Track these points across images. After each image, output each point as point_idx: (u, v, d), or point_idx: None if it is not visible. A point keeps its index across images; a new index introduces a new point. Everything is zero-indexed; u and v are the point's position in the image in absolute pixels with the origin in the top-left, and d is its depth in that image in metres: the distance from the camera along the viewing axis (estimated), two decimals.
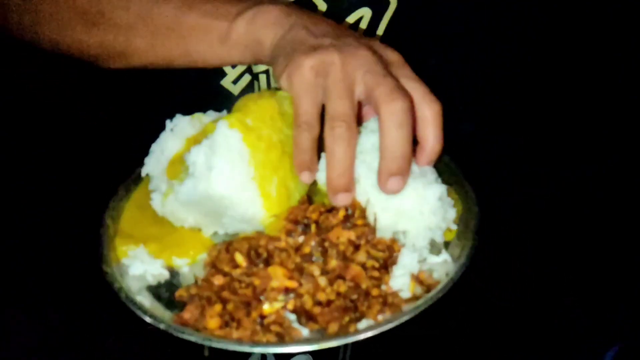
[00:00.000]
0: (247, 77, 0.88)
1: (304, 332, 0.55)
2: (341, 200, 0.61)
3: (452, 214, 0.66)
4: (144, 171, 0.71)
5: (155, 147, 0.71)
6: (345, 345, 0.97)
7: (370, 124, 0.67)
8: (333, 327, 0.54)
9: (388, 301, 0.56)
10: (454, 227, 0.65)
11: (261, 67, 0.86)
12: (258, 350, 0.52)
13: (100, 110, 0.86)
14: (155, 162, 0.71)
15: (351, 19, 0.85)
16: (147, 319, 0.56)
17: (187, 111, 0.73)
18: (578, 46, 0.90)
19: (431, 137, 0.62)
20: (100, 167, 0.81)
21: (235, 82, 0.89)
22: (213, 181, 0.60)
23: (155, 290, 0.62)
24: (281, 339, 0.54)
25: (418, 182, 0.63)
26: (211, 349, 0.64)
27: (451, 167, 0.72)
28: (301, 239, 0.60)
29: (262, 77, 0.88)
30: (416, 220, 0.63)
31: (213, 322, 0.55)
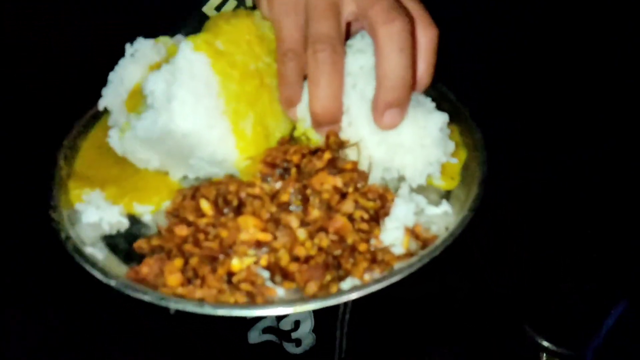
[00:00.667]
0: (232, 3, 0.78)
1: (279, 291, 0.47)
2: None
3: (451, 146, 0.57)
4: (101, 104, 0.62)
5: (113, 76, 0.61)
6: (345, 303, 0.92)
7: (356, 43, 0.57)
8: (312, 287, 0.46)
9: (377, 258, 0.48)
10: (454, 162, 0.57)
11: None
12: (222, 312, 0.44)
13: (57, 28, 0.75)
14: (114, 94, 0.61)
15: None
16: (97, 274, 0.48)
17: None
18: (575, 30, 0.84)
19: (422, 66, 0.55)
20: (53, 101, 0.71)
21: (218, 8, 0.79)
22: (175, 114, 0.51)
23: (112, 241, 0.54)
24: (252, 300, 0.46)
25: (417, 111, 0.54)
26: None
27: (456, 105, 0.63)
28: (278, 185, 0.51)
29: (248, 2, 0.77)
30: (415, 154, 0.54)
31: (173, 279, 0.47)
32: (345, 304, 0.92)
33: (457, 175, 0.60)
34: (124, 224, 0.56)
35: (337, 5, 0.53)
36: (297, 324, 0.89)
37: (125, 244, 0.54)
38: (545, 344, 0.91)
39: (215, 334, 0.85)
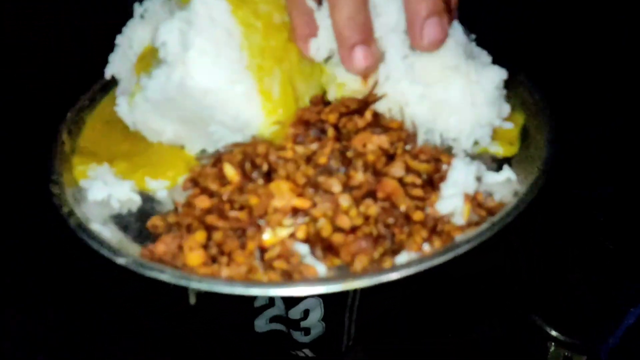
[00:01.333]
0: None
1: (320, 269, 0.39)
2: (358, 58, 0.46)
3: (506, 109, 0.49)
4: (108, 71, 0.55)
5: (121, 40, 0.54)
6: (354, 292, 0.87)
7: None
8: (361, 262, 0.38)
9: (437, 228, 0.40)
10: (510, 127, 0.49)
11: None
12: (255, 292, 0.37)
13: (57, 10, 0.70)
14: (122, 59, 0.54)
15: None
16: (104, 252, 0.40)
17: None
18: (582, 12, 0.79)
19: None
20: (57, 71, 0.64)
21: None
22: (192, 67, 0.43)
23: (122, 221, 0.46)
24: (289, 279, 0.39)
25: (469, 64, 0.46)
26: (200, 295, 0.50)
27: (509, 65, 0.55)
28: (314, 146, 0.44)
29: None
30: (463, 114, 0.46)
31: (195, 257, 0.40)
32: (355, 292, 0.87)
33: (516, 141, 0.52)
34: (136, 201, 0.49)
35: None
36: (306, 312, 0.86)
37: (137, 223, 0.46)
38: (554, 333, 0.90)
39: (221, 322, 0.81)
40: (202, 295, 0.50)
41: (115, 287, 0.54)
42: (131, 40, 0.54)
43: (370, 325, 0.92)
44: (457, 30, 0.48)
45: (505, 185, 0.46)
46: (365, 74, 0.48)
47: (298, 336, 0.88)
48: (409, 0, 0.46)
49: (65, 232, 0.52)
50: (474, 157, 0.49)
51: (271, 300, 0.86)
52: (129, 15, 0.56)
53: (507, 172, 0.47)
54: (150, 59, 0.52)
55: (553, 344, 0.86)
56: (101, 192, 0.48)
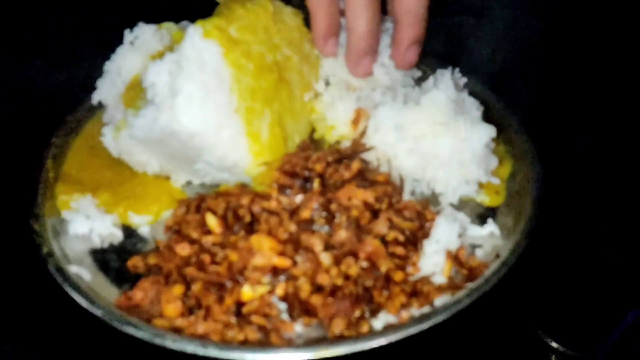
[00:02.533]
0: None
1: (297, 327, 0.39)
2: (363, 67, 0.53)
3: (494, 163, 0.49)
4: (95, 97, 0.54)
5: (110, 66, 0.53)
6: None
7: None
8: (338, 325, 0.38)
9: (416, 289, 0.40)
10: (496, 182, 0.49)
11: None
12: (229, 356, 0.36)
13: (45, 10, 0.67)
14: (110, 86, 0.53)
15: None
16: (82, 302, 0.40)
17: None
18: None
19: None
20: (41, 93, 0.63)
21: None
22: (179, 112, 0.43)
23: (102, 257, 0.46)
24: (265, 336, 0.38)
25: (459, 120, 0.46)
26: None
27: (498, 107, 0.55)
28: (299, 198, 0.43)
29: None
30: (450, 169, 0.47)
31: (172, 309, 0.39)
32: None
33: (502, 190, 0.52)
34: (117, 236, 0.48)
35: None
36: None
37: (117, 261, 0.46)
38: (555, 345, 0.89)
39: None
40: None
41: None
42: (120, 67, 0.53)
43: None
44: (448, 85, 0.48)
45: (488, 239, 0.46)
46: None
47: None
48: (401, 23, 0.52)
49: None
50: (459, 205, 0.49)
51: None
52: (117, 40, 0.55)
53: (490, 226, 0.47)
54: (138, 91, 0.51)
55: (554, 356, 0.88)
56: (83, 226, 0.48)
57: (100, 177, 0.54)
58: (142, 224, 0.50)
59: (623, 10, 0.80)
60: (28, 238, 0.48)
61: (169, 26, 0.54)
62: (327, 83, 0.56)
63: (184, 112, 0.43)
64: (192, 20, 0.56)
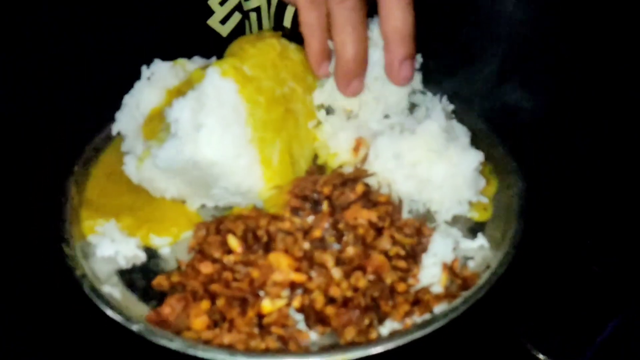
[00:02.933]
0: (237, 16, 0.75)
1: (313, 336, 0.44)
2: (353, 88, 0.56)
3: (482, 184, 0.55)
4: (114, 129, 0.58)
5: (128, 100, 0.57)
6: None
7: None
8: (350, 332, 0.43)
9: (418, 298, 0.45)
10: (484, 200, 0.54)
11: (252, 4, 0.73)
12: None
13: (66, 48, 0.72)
14: (129, 118, 0.58)
15: None
16: (117, 318, 0.44)
17: (168, 57, 0.60)
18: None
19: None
20: (62, 124, 0.67)
21: (223, 21, 0.76)
22: (201, 144, 0.48)
23: (129, 277, 0.50)
24: (284, 344, 0.43)
25: (451, 147, 0.52)
26: None
27: (483, 130, 0.61)
28: (310, 219, 0.48)
29: (253, 16, 0.74)
30: (444, 192, 0.52)
31: (199, 322, 0.44)
32: None
33: (489, 207, 0.57)
34: (141, 257, 0.52)
35: None
36: None
37: (142, 280, 0.50)
38: (542, 357, 0.90)
39: None
40: None
41: None
42: (138, 101, 0.57)
43: None
44: (439, 115, 0.53)
45: (479, 252, 0.52)
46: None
47: None
48: (390, 43, 0.54)
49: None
50: (452, 221, 0.55)
51: None
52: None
53: (480, 240, 0.52)
54: (157, 123, 0.56)
55: None
56: (109, 249, 0.52)
57: (120, 202, 0.58)
58: (163, 245, 0.54)
59: (623, 10, 0.81)
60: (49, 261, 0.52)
61: (182, 62, 0.59)
62: (328, 112, 0.60)
63: (206, 144, 0.48)
64: (200, 53, 0.62)
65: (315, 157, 0.59)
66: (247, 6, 0.75)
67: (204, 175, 0.50)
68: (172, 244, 0.54)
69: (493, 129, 0.61)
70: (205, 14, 0.76)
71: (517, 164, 0.58)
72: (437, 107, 0.55)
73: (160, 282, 0.49)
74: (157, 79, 0.57)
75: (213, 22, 0.76)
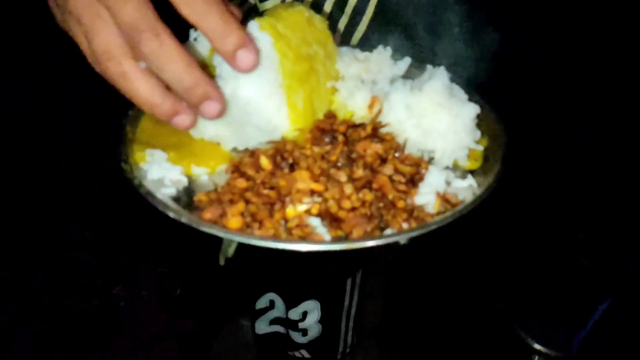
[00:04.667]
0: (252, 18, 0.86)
1: (326, 238, 0.54)
2: (210, 112, 0.54)
3: (478, 134, 0.65)
4: None
5: None
6: (352, 295, 0.97)
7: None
8: (358, 232, 0.52)
9: (414, 213, 0.55)
10: (479, 149, 0.64)
11: (267, 4, 0.83)
12: (281, 246, 0.50)
13: None
14: None
15: None
16: (170, 213, 0.54)
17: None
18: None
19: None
20: None
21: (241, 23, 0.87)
22: (241, 83, 0.58)
23: (175, 195, 0.60)
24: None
25: (452, 101, 0.62)
26: (227, 259, 0.64)
27: (475, 96, 0.71)
28: (327, 148, 0.58)
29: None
30: (447, 139, 0.61)
31: (235, 222, 0.54)
32: (351, 298, 0.97)
33: (479, 158, 0.67)
34: (184, 182, 0.62)
35: None
36: (304, 314, 0.93)
37: (185, 198, 0.60)
38: (537, 346, 0.95)
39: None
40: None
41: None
42: None
43: (367, 335, 0.98)
44: (443, 74, 0.64)
45: (467, 189, 0.61)
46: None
47: (296, 337, 0.94)
48: (213, 41, 0.52)
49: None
50: (448, 167, 0.64)
51: (272, 303, 0.92)
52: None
53: (469, 180, 0.62)
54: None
55: (537, 357, 0.91)
56: (157, 173, 0.62)
57: (166, 141, 0.68)
58: (202, 174, 0.64)
59: (623, 9, 0.84)
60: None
61: None
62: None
63: (244, 84, 0.58)
64: None
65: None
66: (262, 7, 0.83)
67: (240, 112, 0.61)
68: (209, 174, 0.64)
69: (482, 95, 0.71)
70: None
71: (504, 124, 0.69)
72: (439, 70, 0.66)
73: (200, 197, 0.59)
74: (202, 39, 0.68)
75: None
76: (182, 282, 0.71)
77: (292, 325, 0.93)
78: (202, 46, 0.69)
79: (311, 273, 0.88)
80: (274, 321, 0.94)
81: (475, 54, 0.78)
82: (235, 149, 0.67)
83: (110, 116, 0.70)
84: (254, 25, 0.60)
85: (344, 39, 0.83)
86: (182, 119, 0.54)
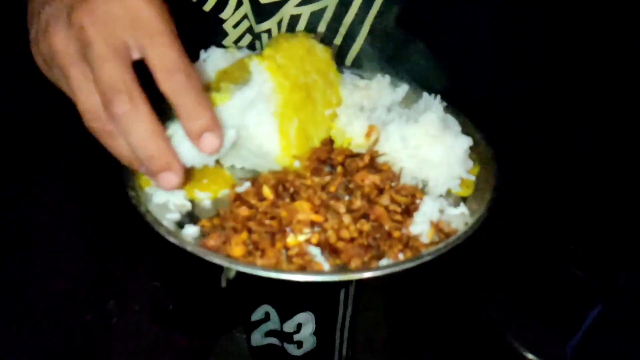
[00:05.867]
0: (248, 37, 0.88)
1: (326, 267, 0.56)
2: (168, 183, 0.54)
3: (470, 164, 0.67)
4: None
5: None
6: (345, 306, 1.00)
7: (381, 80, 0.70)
8: (355, 262, 0.55)
9: (409, 243, 0.58)
10: (471, 178, 0.66)
11: (263, 27, 0.86)
12: (281, 276, 0.53)
13: None
14: None
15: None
16: (174, 241, 0.56)
17: None
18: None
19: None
20: None
21: (236, 42, 0.89)
22: (237, 110, 0.60)
23: (178, 220, 0.63)
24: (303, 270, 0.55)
25: (446, 133, 0.65)
26: (228, 281, 0.66)
27: (468, 125, 0.74)
28: (327, 178, 0.61)
29: (264, 37, 0.88)
30: (441, 169, 0.64)
31: (238, 250, 0.56)
32: (345, 310, 0.99)
33: (471, 185, 0.70)
34: (187, 206, 0.65)
35: (119, 46, 0.49)
36: (299, 326, 0.95)
37: (189, 223, 0.62)
38: (531, 356, 0.97)
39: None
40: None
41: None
42: None
43: (363, 348, 0.99)
44: (438, 105, 0.67)
45: (460, 217, 0.64)
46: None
47: (291, 349, 0.95)
48: (184, 119, 0.52)
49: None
50: (441, 195, 0.67)
51: (267, 315, 0.93)
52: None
53: (462, 208, 0.64)
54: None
55: None
56: (162, 198, 0.64)
57: None
58: (205, 199, 0.66)
59: (623, 9, 0.84)
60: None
61: (232, 50, 0.72)
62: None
63: (239, 110, 0.60)
64: None
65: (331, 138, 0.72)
66: (258, 29, 0.85)
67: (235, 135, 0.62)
68: (212, 199, 0.67)
69: (477, 124, 0.74)
70: (222, 36, 0.86)
71: (495, 152, 0.71)
72: (435, 102, 0.68)
73: (204, 224, 0.61)
74: (211, 60, 0.70)
75: (227, 42, 0.88)
76: (175, 296, 0.73)
77: (287, 337, 0.95)
78: (211, 67, 0.71)
79: (305, 285, 0.89)
80: (269, 333, 0.96)
81: (472, 66, 0.79)
82: (234, 171, 0.69)
83: None
84: (255, 60, 0.62)
85: (338, 60, 0.85)
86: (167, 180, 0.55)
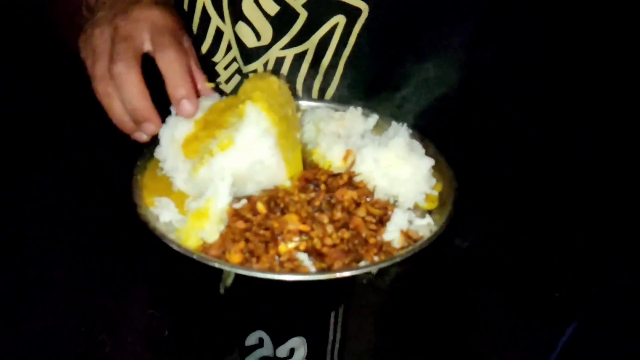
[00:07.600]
0: (237, 78, 0.98)
1: (312, 269, 0.65)
2: (148, 129, 0.72)
3: (433, 182, 0.78)
4: (157, 154, 0.77)
5: (164, 132, 0.75)
6: (335, 330, 1.05)
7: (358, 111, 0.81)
8: (338, 264, 0.65)
9: (383, 248, 0.68)
10: (435, 193, 0.77)
11: (250, 68, 0.96)
12: (275, 277, 0.62)
13: None
14: (167, 146, 0.76)
15: (327, 25, 0.91)
16: (182, 251, 0.65)
17: None
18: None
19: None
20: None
21: (227, 81, 1.00)
22: (252, 150, 0.69)
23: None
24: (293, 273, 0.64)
25: (412, 155, 0.76)
26: (226, 288, 0.74)
27: (433, 150, 0.84)
28: (312, 195, 0.71)
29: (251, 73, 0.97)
30: (409, 186, 0.75)
31: (236, 257, 0.65)
32: (335, 333, 1.05)
33: (436, 200, 0.80)
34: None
35: (136, 38, 0.70)
36: (292, 351, 0.98)
37: None
38: None
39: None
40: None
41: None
42: (173, 133, 0.75)
43: None
44: (404, 132, 0.78)
45: (426, 226, 0.74)
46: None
47: None
48: (167, 83, 0.69)
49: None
50: (409, 208, 0.77)
51: (261, 341, 0.95)
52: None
53: (427, 219, 0.75)
54: (196, 145, 0.74)
55: None
56: (167, 217, 0.73)
57: (169, 191, 0.79)
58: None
59: (623, 9, 0.87)
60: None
61: (202, 100, 0.77)
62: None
63: (253, 150, 0.70)
64: None
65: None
66: (246, 69, 0.96)
67: (245, 172, 0.70)
68: None
69: (437, 147, 0.85)
70: (214, 76, 0.96)
71: (454, 172, 0.82)
72: (402, 129, 0.80)
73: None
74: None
75: (219, 81, 0.98)
76: (171, 323, 0.78)
77: None
78: (186, 122, 0.76)
79: (296, 308, 0.94)
80: (262, 359, 1.02)
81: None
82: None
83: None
84: (250, 104, 0.72)
85: (320, 94, 0.96)
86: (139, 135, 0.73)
